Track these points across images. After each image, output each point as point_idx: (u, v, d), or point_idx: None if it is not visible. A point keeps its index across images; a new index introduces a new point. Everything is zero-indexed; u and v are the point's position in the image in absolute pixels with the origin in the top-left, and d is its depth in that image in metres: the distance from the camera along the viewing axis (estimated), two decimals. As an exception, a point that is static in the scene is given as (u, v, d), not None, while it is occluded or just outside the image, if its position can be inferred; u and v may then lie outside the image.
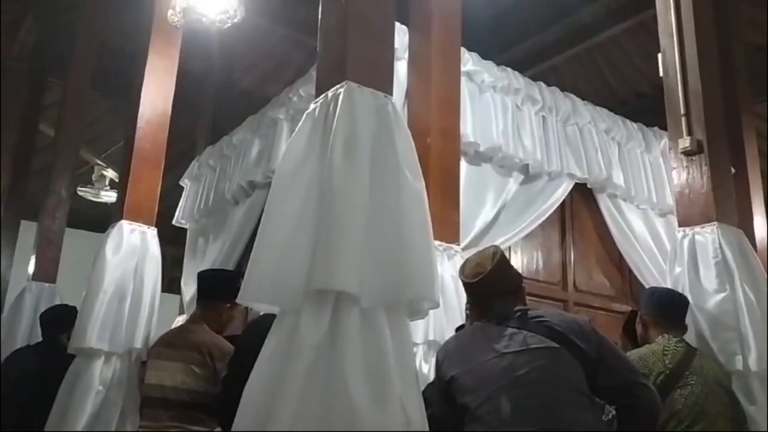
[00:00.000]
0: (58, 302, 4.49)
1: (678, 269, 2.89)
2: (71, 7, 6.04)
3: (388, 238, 1.65)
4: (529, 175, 4.02)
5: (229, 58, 6.87)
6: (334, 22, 1.92)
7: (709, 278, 2.77)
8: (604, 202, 4.31)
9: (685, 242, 2.89)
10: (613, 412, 2.15)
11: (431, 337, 2.93)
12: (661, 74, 3.18)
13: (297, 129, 1.80)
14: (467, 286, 2.12)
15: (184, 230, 5.47)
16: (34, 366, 3.36)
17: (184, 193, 5.54)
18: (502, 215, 3.86)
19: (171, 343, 3.02)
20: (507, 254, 3.95)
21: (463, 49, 3.60)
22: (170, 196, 4.99)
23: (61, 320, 3.50)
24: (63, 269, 4.91)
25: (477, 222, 3.71)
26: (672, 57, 3.11)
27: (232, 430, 1.55)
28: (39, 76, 6.63)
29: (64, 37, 6.00)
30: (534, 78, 4.34)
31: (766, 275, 2.85)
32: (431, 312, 2.09)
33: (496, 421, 1.77)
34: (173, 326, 4.65)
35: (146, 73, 3.57)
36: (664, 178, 4.54)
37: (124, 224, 3.27)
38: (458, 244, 3.22)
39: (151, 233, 3.34)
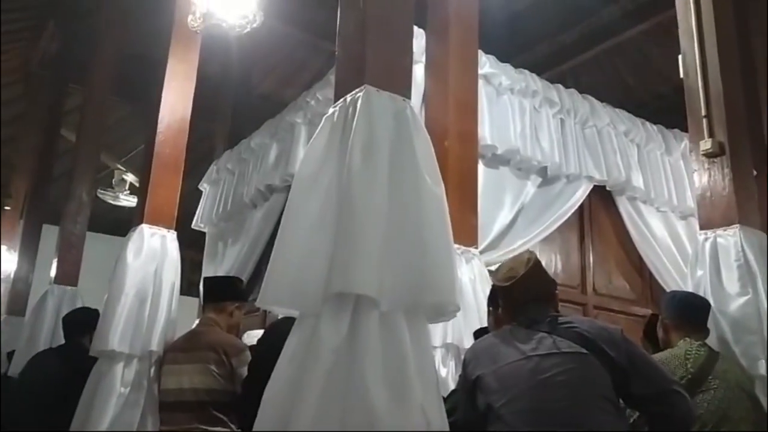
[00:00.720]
0: (79, 305, 4.54)
1: (700, 272, 2.85)
2: (92, 14, 6.13)
3: (407, 242, 1.65)
4: (547, 178, 4.00)
5: (247, 62, 6.91)
6: (352, 26, 1.93)
7: (731, 281, 2.73)
8: (623, 205, 4.28)
9: (707, 245, 2.86)
10: (634, 417, 2.14)
11: (449, 341, 2.93)
12: (681, 75, 3.15)
13: (316, 133, 1.81)
14: (499, 289, 2.12)
15: (203, 233, 5.51)
16: (57, 368, 3.40)
17: (202, 197, 5.59)
18: (520, 218, 3.85)
19: (185, 347, 3.06)
20: (526, 257, 3.96)
21: (480, 52, 3.60)
22: (189, 200, 5.03)
23: (82, 323, 3.54)
24: (84, 272, 4.96)
25: (495, 225, 3.71)
26: (692, 58, 3.08)
27: (253, 429, 1.56)
28: (61, 82, 6.74)
29: (85, 43, 6.08)
30: (552, 80, 4.33)
31: (789, 278, 2.80)
32: (449, 315, 2.09)
33: (518, 422, 1.77)
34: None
35: (166, 79, 3.60)
36: (684, 181, 4.50)
37: (145, 228, 3.30)
38: (476, 248, 3.21)
39: (171, 237, 3.37)
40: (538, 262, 2.10)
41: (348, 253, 1.58)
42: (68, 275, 4.78)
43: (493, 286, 2.79)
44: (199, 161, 6.45)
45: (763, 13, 3.92)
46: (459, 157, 3.20)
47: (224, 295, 3.13)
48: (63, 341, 4.14)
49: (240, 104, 6.36)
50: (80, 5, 6.54)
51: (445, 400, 1.89)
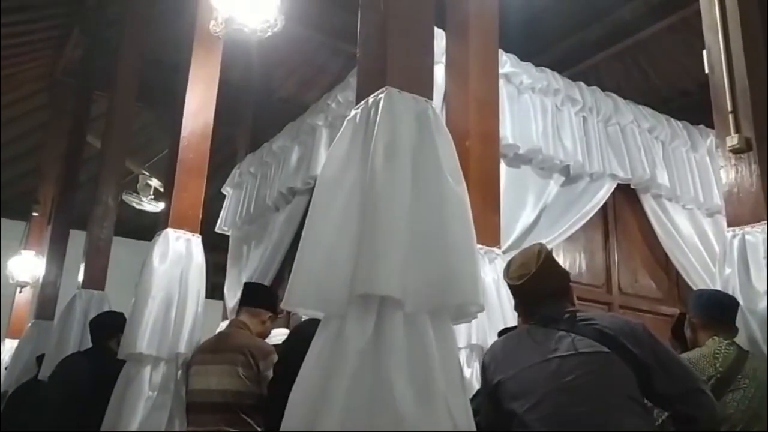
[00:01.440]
0: (106, 309, 4.60)
1: (728, 270, 2.81)
2: (115, 22, 6.22)
3: (431, 243, 1.65)
4: (570, 177, 3.97)
5: (268, 66, 6.97)
6: (373, 28, 1.93)
7: (760, 279, 2.69)
8: (648, 203, 4.23)
9: (735, 242, 2.81)
10: (663, 417, 2.11)
11: (474, 341, 2.92)
12: (706, 71, 3.11)
13: (338, 135, 1.82)
14: (512, 288, 2.06)
15: (226, 237, 5.56)
16: (85, 371, 3.45)
17: (225, 200, 5.63)
18: (543, 217, 3.82)
19: (213, 348, 3.09)
20: (549, 257, 3.93)
21: (500, 51, 3.58)
22: (212, 203, 5.08)
23: (109, 327, 3.59)
24: (111, 276, 5.03)
25: (518, 225, 3.68)
26: (717, 53, 3.04)
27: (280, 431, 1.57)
28: (85, 89, 6.84)
29: (109, 51, 6.17)
30: (573, 78, 4.30)
31: (819, 276, 2.75)
32: (472, 315, 2.07)
33: (543, 428, 1.73)
34: (217, 331, 4.75)
35: (189, 84, 3.64)
36: (711, 177, 4.44)
37: (170, 232, 3.34)
38: (499, 248, 3.20)
39: (196, 241, 3.41)
40: (549, 255, 2.04)
41: (372, 254, 1.58)
42: (95, 279, 4.84)
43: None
44: (222, 165, 6.51)
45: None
46: (480, 157, 3.19)
47: (262, 302, 3.18)
48: (91, 344, 4.22)
49: (261, 108, 6.41)
50: (104, 14, 6.64)
51: (470, 400, 1.89)
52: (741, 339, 2.56)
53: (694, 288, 3.84)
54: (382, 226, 1.60)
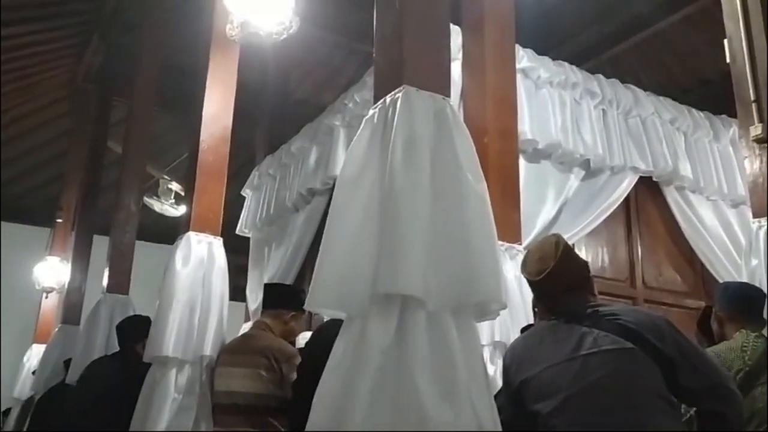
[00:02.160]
0: (131, 312, 4.64)
1: (754, 262, 2.77)
2: (133, 28, 6.28)
3: (452, 241, 1.64)
4: (590, 171, 3.94)
5: (283, 68, 6.98)
6: (389, 27, 1.93)
7: (788, 270, 2.65)
8: (671, 195, 4.19)
9: (761, 233, 2.78)
10: (691, 413, 2.07)
11: (497, 338, 2.91)
12: (728, 60, 3.06)
13: (357, 135, 1.82)
14: (531, 283, 2.01)
15: (247, 239, 5.59)
16: (113, 375, 3.50)
17: (245, 202, 5.67)
18: (564, 212, 3.80)
19: (237, 350, 3.11)
20: (571, 252, 3.90)
21: (517, 46, 3.56)
22: (232, 206, 5.11)
23: (135, 331, 3.62)
24: (134, 280, 5.08)
25: (538, 220, 3.66)
26: (739, 41, 2.99)
27: (305, 433, 1.57)
28: (105, 96, 6.91)
29: (128, 57, 6.24)
30: (592, 71, 4.26)
31: None
32: (494, 312, 2.05)
33: (569, 429, 1.69)
34: (240, 333, 4.79)
35: (207, 88, 3.67)
36: (734, 168, 4.38)
37: (192, 235, 3.37)
38: (520, 244, 3.18)
39: (217, 243, 3.43)
40: (567, 247, 1.96)
41: (393, 253, 1.58)
42: (119, 284, 4.89)
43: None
44: (241, 167, 6.55)
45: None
46: (499, 153, 3.17)
47: (281, 302, 3.18)
48: (117, 348, 4.27)
49: (278, 110, 6.43)
50: (121, 21, 6.70)
51: (494, 398, 1.87)
52: (769, 331, 2.52)
53: (720, 280, 3.79)
54: (402, 225, 1.60)
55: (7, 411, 6.64)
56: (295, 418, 2.57)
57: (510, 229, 3.11)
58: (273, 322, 3.12)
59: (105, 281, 4.92)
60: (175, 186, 7.57)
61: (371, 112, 1.83)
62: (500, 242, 2.92)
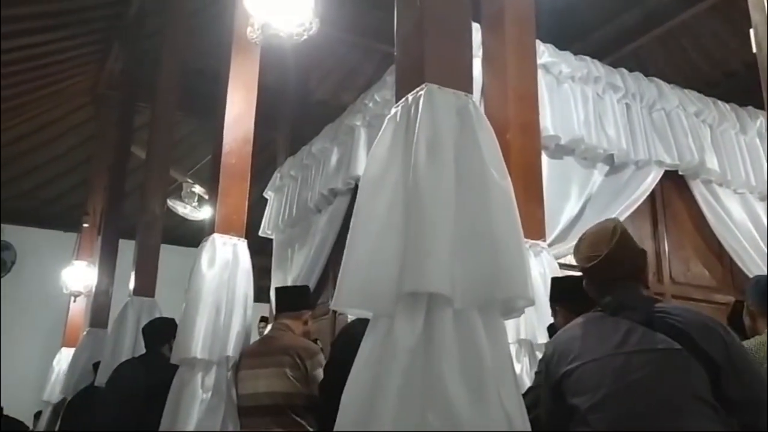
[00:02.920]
0: (158, 315, 4.68)
1: (785, 255, 2.72)
2: (154, 34, 6.36)
3: (477, 237, 1.63)
4: (614, 166, 3.91)
5: (303, 69, 7.02)
6: (410, 25, 1.92)
7: (821, 263, 2.59)
8: (698, 189, 4.14)
9: (792, 226, 2.72)
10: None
11: (522, 336, 2.89)
12: (753, 50, 3.01)
13: (380, 134, 1.81)
14: (582, 270, 1.90)
15: (270, 240, 5.62)
16: (141, 376, 3.53)
17: (268, 204, 5.70)
18: (588, 208, 3.77)
19: (259, 351, 3.13)
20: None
21: (538, 42, 3.54)
22: (255, 208, 5.15)
23: (162, 333, 3.65)
24: (160, 283, 5.12)
25: (562, 217, 3.64)
26: (765, 30, 2.93)
27: (334, 433, 1.57)
28: (128, 101, 6.99)
29: (150, 62, 6.30)
30: (614, 65, 4.22)
31: None
32: (520, 310, 2.01)
33: (606, 428, 1.63)
34: (264, 332, 4.82)
35: (229, 91, 3.69)
36: (762, 160, 4.31)
37: (216, 237, 3.39)
38: (544, 240, 3.16)
39: (242, 245, 3.45)
40: (624, 234, 1.85)
41: (419, 251, 1.57)
42: (146, 287, 4.93)
43: (553, 279, 2.73)
44: (263, 169, 6.58)
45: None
46: (521, 149, 3.15)
47: (300, 304, 3.22)
48: (144, 351, 4.31)
49: (299, 111, 6.46)
50: (142, 27, 6.79)
51: (522, 396, 1.85)
52: (803, 326, 2.47)
53: (749, 275, 3.74)
54: (427, 223, 1.59)
55: (38, 414, 6.74)
56: (323, 419, 2.57)
57: (534, 226, 3.08)
58: (292, 323, 3.15)
59: (131, 285, 4.97)
60: (198, 189, 7.63)
61: (393, 110, 1.83)
62: (524, 239, 2.90)
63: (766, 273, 3.30)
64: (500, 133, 3.00)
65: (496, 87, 3.26)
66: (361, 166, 4.20)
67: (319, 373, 2.84)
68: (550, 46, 3.80)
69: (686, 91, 4.30)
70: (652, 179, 3.94)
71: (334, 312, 4.24)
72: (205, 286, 3.20)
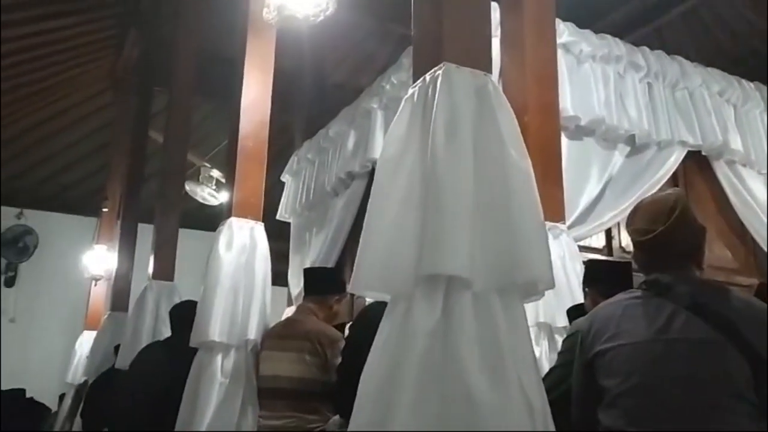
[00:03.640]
0: (177, 299, 4.71)
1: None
2: (170, 18, 6.34)
3: (497, 219, 1.61)
4: (635, 146, 3.85)
5: (319, 52, 6.97)
6: (428, 3, 1.89)
7: None
8: (721, 170, 4.07)
9: (818, 207, 2.66)
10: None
11: (541, 319, 2.87)
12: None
13: (397, 115, 1.79)
14: (634, 243, 1.78)
15: (287, 224, 5.63)
16: (165, 360, 3.55)
17: (285, 188, 5.70)
18: (608, 190, 3.72)
19: (281, 334, 3.13)
20: (616, 230, 3.81)
21: (557, 20, 3.47)
22: (272, 192, 5.15)
23: (187, 317, 3.65)
24: (179, 267, 5.15)
25: (582, 199, 3.60)
26: (792, 7, 2.85)
27: (352, 417, 1.57)
28: (146, 86, 7.01)
29: (166, 47, 6.30)
30: (636, 43, 4.14)
31: None
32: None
33: (635, 416, 1.57)
34: (283, 317, 4.84)
35: (245, 74, 3.67)
36: (788, 140, 4.21)
37: (234, 221, 3.39)
38: (564, 223, 3.12)
39: (259, 228, 3.44)
40: (685, 210, 1.71)
41: (437, 233, 1.55)
42: (165, 271, 4.96)
43: (587, 262, 2.70)
44: (280, 153, 6.57)
45: None
46: (540, 131, 3.11)
47: (325, 287, 3.20)
48: (164, 334, 4.34)
49: (315, 94, 6.43)
50: (158, 11, 6.78)
51: (543, 378, 1.83)
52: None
53: (773, 256, 3.67)
54: (446, 205, 1.57)
55: (63, 396, 6.86)
56: (340, 402, 2.58)
57: (553, 208, 3.05)
58: (317, 306, 3.14)
59: (150, 269, 5.00)
60: (216, 173, 7.65)
61: (411, 90, 1.80)
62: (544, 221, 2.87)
63: (791, 255, 3.25)
64: (519, 115, 2.94)
65: (514, 67, 3.21)
66: (378, 149, 4.17)
67: (339, 361, 2.84)
68: (570, 25, 3.74)
69: (710, 69, 4.21)
70: (674, 160, 3.88)
71: (352, 294, 4.24)
72: (223, 270, 3.21)
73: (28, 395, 7.01)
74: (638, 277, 2.29)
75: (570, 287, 2.89)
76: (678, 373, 1.56)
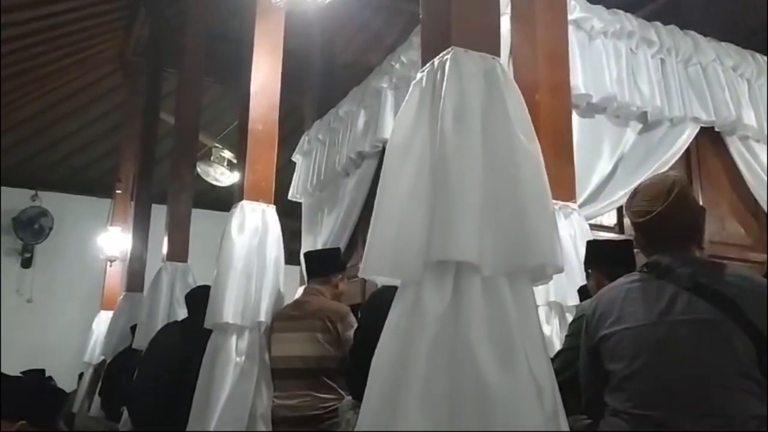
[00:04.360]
0: (191, 280, 4.77)
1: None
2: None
3: (505, 204, 1.61)
4: (648, 123, 3.81)
5: (327, 31, 6.92)
6: (436, -15, 1.87)
7: None
8: (734, 146, 4.02)
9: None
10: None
11: (552, 299, 2.88)
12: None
13: (405, 100, 1.78)
14: (633, 224, 1.80)
15: (299, 203, 5.65)
16: (180, 341, 3.61)
17: (296, 168, 5.71)
18: (620, 168, 3.70)
19: (291, 315, 3.19)
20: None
21: (568, -4, 3.43)
22: (283, 171, 5.17)
23: (203, 299, 3.69)
24: (192, 247, 5.20)
25: (593, 177, 3.58)
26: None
27: (363, 400, 1.59)
28: (155, 68, 7.01)
29: (175, 28, 6.29)
30: (648, 18, 4.07)
31: None
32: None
33: (643, 399, 1.59)
34: (295, 296, 4.89)
35: (254, 56, 3.67)
36: (803, 115, 4.15)
37: (246, 204, 3.42)
38: (575, 202, 3.12)
39: (270, 211, 3.47)
40: (683, 190, 1.73)
41: (446, 219, 1.56)
42: (178, 252, 5.01)
43: (588, 242, 2.69)
44: (290, 133, 6.58)
45: None
46: (551, 109, 3.09)
47: (330, 269, 3.27)
48: (179, 314, 4.40)
49: (325, 74, 6.40)
50: (167, -8, 6.76)
51: (552, 360, 1.85)
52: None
53: (787, 233, 3.65)
54: (454, 191, 1.58)
55: (82, 374, 6.99)
56: (353, 384, 2.61)
57: (564, 188, 3.04)
58: (323, 287, 3.21)
59: (164, 250, 5.05)
60: (227, 154, 7.67)
61: (419, 75, 1.80)
62: (554, 201, 2.85)
63: (804, 231, 3.23)
64: (529, 94, 2.96)
65: (524, 45, 3.18)
66: (388, 129, 4.17)
67: (351, 335, 2.89)
68: (581, 1, 3.69)
69: (723, 44, 4.15)
70: (687, 136, 3.84)
71: (363, 279, 4.27)
72: (236, 253, 3.24)
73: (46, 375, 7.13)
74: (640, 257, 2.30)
75: (581, 267, 2.89)
76: (682, 355, 1.57)
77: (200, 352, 3.25)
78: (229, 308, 3.14)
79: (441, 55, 1.73)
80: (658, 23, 3.98)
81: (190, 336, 3.55)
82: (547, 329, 2.83)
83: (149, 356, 3.88)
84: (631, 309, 1.68)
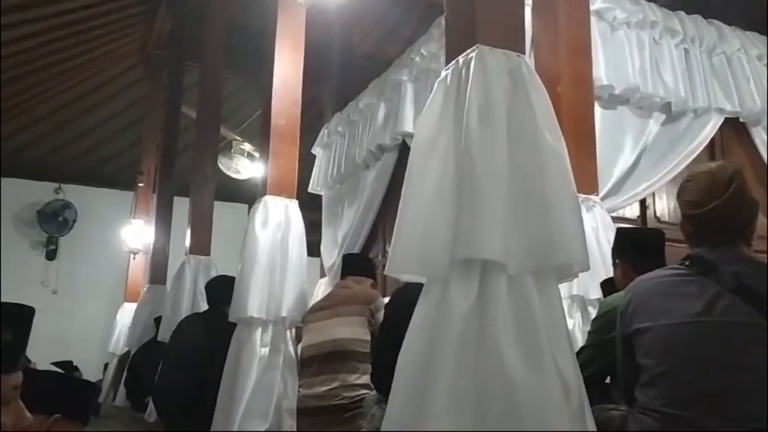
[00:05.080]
0: (214, 273, 4.82)
1: None
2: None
3: (531, 203, 1.61)
4: (671, 114, 3.77)
5: (346, 23, 6.91)
6: (459, -17, 1.87)
7: None
8: (759, 136, 3.97)
9: None
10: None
11: (575, 292, 2.88)
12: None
13: (430, 97, 1.79)
14: (684, 215, 1.71)
15: (319, 195, 5.67)
16: (202, 333, 3.67)
17: (316, 161, 5.72)
18: (642, 160, 3.66)
19: (325, 305, 3.26)
20: (650, 200, 3.76)
21: (590, -13, 3.39)
22: (303, 163, 5.18)
23: (223, 291, 3.74)
24: (215, 238, 5.24)
25: (615, 169, 3.55)
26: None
27: (389, 399, 1.61)
28: (177, 60, 7.05)
29: (197, 21, 6.32)
30: (672, 7, 4.02)
31: None
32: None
33: (675, 398, 1.56)
34: (315, 288, 4.94)
35: (276, 51, 3.68)
36: (830, 105, 4.08)
37: (269, 199, 3.45)
38: (597, 195, 3.11)
39: (293, 206, 3.50)
40: (741, 184, 1.62)
41: (472, 218, 1.57)
42: (201, 245, 5.06)
43: (619, 230, 2.67)
44: (310, 126, 6.59)
45: None
46: (573, 101, 3.07)
47: (366, 271, 3.40)
48: (202, 307, 4.45)
49: (344, 66, 6.40)
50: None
51: (576, 355, 1.85)
52: None
53: (814, 225, 3.59)
54: (480, 189, 1.58)
55: (107, 365, 7.11)
56: (378, 381, 2.63)
57: (586, 180, 3.03)
58: (356, 285, 3.27)
59: (187, 242, 5.10)
60: (247, 146, 7.70)
61: (444, 73, 1.80)
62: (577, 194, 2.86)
63: (832, 224, 3.18)
64: (551, 85, 2.93)
65: (546, 37, 3.16)
66: (408, 122, 4.17)
67: (381, 317, 2.94)
68: (603, -10, 3.65)
69: (748, 33, 4.08)
70: (711, 127, 3.79)
71: (384, 276, 4.30)
72: (259, 247, 3.28)
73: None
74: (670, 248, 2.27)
75: (603, 260, 2.88)
76: (717, 358, 1.54)
77: (222, 343, 3.31)
78: (253, 303, 3.19)
79: (466, 53, 1.73)
80: (682, 12, 3.93)
81: (212, 327, 3.61)
82: (569, 323, 2.83)
83: (172, 349, 3.94)
84: (669, 305, 1.63)
